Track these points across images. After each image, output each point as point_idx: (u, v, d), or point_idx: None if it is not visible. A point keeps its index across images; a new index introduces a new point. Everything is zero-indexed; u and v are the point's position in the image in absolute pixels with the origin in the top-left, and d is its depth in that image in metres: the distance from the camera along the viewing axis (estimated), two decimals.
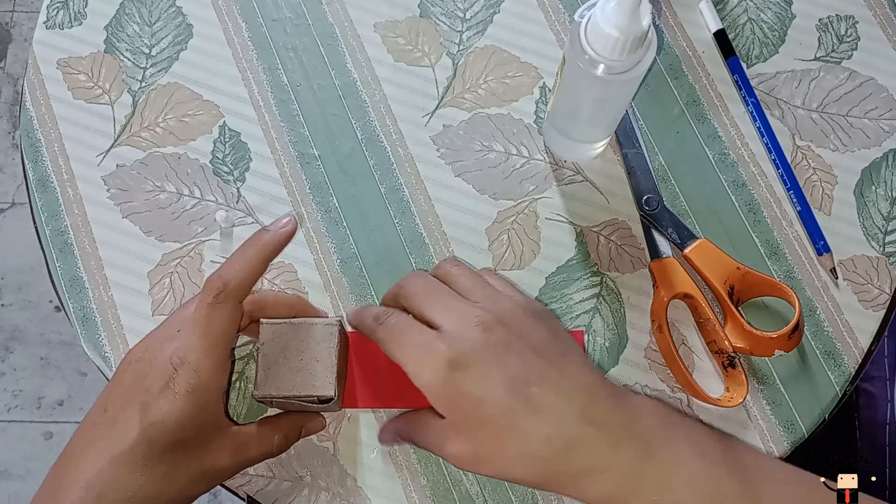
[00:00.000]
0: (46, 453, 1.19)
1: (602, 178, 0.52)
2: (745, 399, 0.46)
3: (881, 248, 0.51)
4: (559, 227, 0.52)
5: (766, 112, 0.53)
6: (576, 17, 0.41)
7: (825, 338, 0.49)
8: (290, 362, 0.44)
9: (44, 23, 0.57)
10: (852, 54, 0.55)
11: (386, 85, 0.55)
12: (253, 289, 0.45)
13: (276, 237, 0.47)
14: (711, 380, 0.48)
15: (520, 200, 0.52)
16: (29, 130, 0.54)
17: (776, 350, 0.45)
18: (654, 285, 0.50)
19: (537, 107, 0.54)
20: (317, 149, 0.53)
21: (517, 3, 0.56)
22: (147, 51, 0.56)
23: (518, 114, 0.54)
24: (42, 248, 0.52)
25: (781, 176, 0.52)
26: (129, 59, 0.56)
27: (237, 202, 0.53)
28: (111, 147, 0.54)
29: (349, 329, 0.48)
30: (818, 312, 0.50)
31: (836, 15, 0.56)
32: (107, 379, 0.50)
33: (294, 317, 0.46)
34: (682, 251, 0.49)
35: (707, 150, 0.53)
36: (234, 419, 0.49)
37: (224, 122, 0.54)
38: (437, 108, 0.54)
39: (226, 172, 0.53)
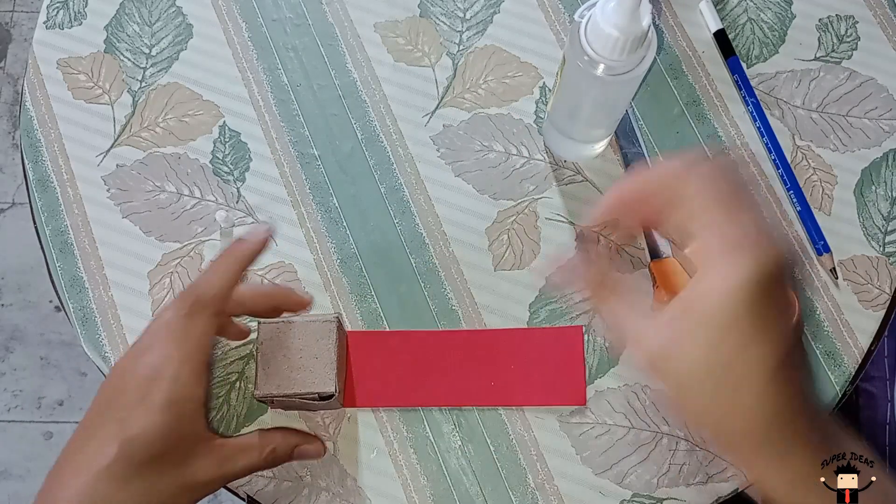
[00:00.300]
0: (46, 453, 1.19)
1: (602, 178, 0.52)
2: None
3: (881, 248, 0.51)
4: (559, 227, 0.52)
5: (766, 112, 0.53)
6: (576, 17, 0.41)
7: (825, 338, 0.49)
8: (290, 360, 0.44)
9: (44, 23, 0.57)
10: (852, 54, 0.55)
11: (386, 85, 0.55)
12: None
13: (251, 247, 0.45)
14: None
15: (520, 200, 0.52)
16: (29, 130, 0.54)
17: None
18: (654, 285, 0.50)
19: (537, 107, 0.54)
20: (317, 149, 0.53)
21: (517, 3, 0.56)
22: (147, 51, 0.56)
23: (518, 114, 0.54)
24: (42, 248, 0.52)
25: (781, 176, 0.52)
26: (129, 59, 0.56)
27: (237, 202, 0.53)
28: (111, 147, 0.54)
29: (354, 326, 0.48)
30: (818, 312, 0.49)
31: (836, 15, 0.56)
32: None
33: (276, 307, 0.45)
34: (682, 251, 0.49)
35: (707, 150, 0.53)
36: (229, 426, 0.49)
37: (224, 122, 0.54)
38: (436, 108, 0.54)
39: (226, 172, 0.53)
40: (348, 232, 0.52)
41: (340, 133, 0.54)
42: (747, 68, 0.54)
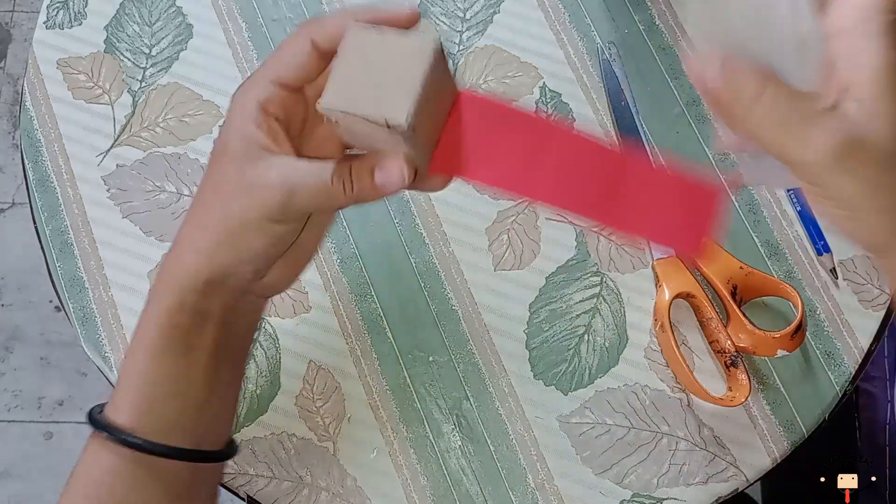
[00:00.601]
0: (46, 453, 1.19)
1: None
2: (747, 398, 0.46)
3: None
4: (559, 227, 0.52)
5: None
6: None
7: (825, 338, 0.49)
8: (369, 76, 0.35)
9: (44, 23, 0.57)
10: None
11: None
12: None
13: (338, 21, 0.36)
14: (712, 379, 0.48)
15: (520, 200, 0.52)
16: (29, 130, 0.54)
17: (779, 350, 0.45)
18: (656, 284, 0.50)
19: (537, 107, 0.54)
20: None
21: (517, 3, 0.56)
22: (147, 51, 0.56)
23: None
24: (42, 248, 0.52)
25: None
26: (129, 59, 0.56)
27: None
28: (111, 147, 0.54)
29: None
30: (818, 312, 0.49)
31: None
32: (107, 379, 0.50)
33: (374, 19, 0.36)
34: None
35: (707, 150, 0.53)
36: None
37: (223, 122, 0.54)
38: None
39: None
40: (348, 232, 0.52)
41: None
42: None
